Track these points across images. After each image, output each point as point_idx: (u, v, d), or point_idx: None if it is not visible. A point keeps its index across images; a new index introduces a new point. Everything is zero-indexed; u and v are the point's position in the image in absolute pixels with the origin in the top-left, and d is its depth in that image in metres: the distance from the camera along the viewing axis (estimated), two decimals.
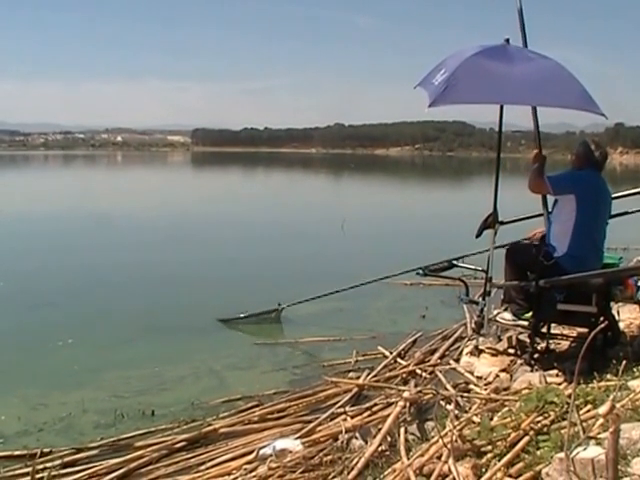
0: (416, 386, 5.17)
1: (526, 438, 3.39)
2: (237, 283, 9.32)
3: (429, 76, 5.09)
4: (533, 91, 4.91)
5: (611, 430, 2.34)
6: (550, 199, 5.67)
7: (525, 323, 5.37)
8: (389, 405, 4.88)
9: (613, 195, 5.85)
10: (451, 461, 3.17)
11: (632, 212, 6.32)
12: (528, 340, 5.48)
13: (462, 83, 4.83)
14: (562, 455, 2.83)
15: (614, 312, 5.53)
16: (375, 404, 5.01)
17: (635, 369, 4.26)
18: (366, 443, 4.20)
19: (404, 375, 5.84)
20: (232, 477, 4.08)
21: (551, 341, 5.63)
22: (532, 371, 5.13)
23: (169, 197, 27.33)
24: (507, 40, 5.12)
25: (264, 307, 8.08)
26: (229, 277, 10.55)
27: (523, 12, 5.64)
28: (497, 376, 5.32)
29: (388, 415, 4.47)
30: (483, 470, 3.17)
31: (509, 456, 3.21)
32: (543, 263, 5.10)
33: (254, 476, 3.96)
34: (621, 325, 5.61)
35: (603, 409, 2.34)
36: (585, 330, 5.23)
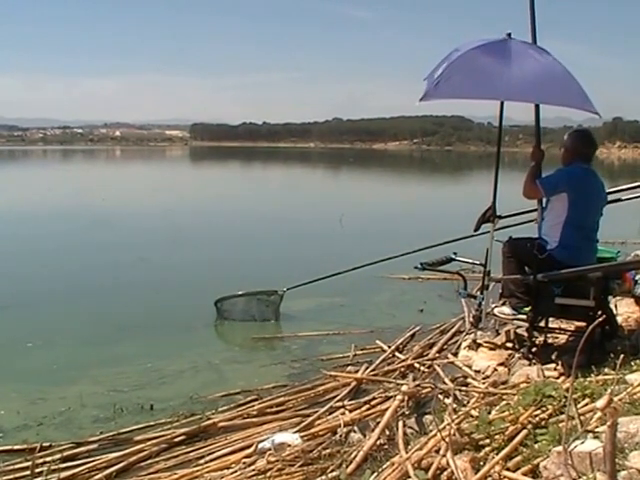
0: (414, 380, 5.19)
1: (524, 432, 3.40)
2: (234, 279, 9.30)
3: (434, 69, 5.08)
4: (529, 88, 4.92)
5: (609, 424, 2.35)
6: None
7: (523, 317, 5.38)
8: (387, 399, 4.89)
9: (609, 190, 5.88)
10: (449, 455, 3.18)
11: (626, 199, 6.35)
12: (526, 334, 5.50)
13: (455, 78, 4.85)
14: (560, 449, 2.84)
15: (612, 306, 5.55)
16: (373, 398, 5.01)
17: (633, 363, 4.27)
18: (365, 437, 4.21)
19: (402, 369, 5.85)
20: (231, 471, 4.09)
21: (549, 335, 5.64)
22: (530, 365, 5.15)
23: (167, 193, 27.23)
24: (509, 35, 5.11)
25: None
26: (226, 273, 10.53)
27: (534, 3, 5.58)
28: (495, 370, 5.34)
29: (386, 409, 4.48)
30: (481, 463, 3.18)
31: (507, 450, 3.23)
32: (537, 257, 5.12)
33: (253, 470, 3.97)
34: (619, 319, 5.63)
35: (601, 403, 2.34)
36: (583, 324, 5.24)
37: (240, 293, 8.04)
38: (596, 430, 3.05)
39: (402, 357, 6.19)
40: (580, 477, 2.71)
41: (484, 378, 5.25)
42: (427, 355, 6.21)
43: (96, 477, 4.20)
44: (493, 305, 5.73)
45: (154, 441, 4.63)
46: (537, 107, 5.68)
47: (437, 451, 3.35)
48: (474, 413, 3.92)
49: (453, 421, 3.53)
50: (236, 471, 4.05)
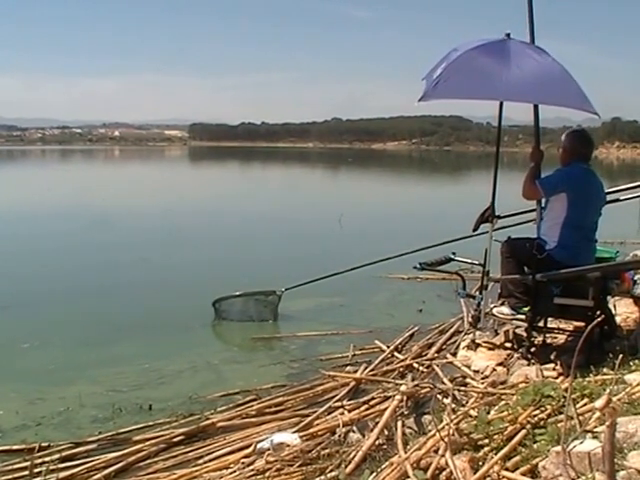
0: (413, 380, 5.20)
1: (523, 432, 3.41)
2: (233, 280, 9.29)
3: (433, 69, 5.08)
4: (528, 88, 4.91)
5: (608, 424, 2.35)
6: None
7: (522, 317, 5.38)
8: (386, 399, 4.88)
9: (608, 190, 5.89)
10: (448, 454, 3.18)
11: (624, 199, 6.35)
12: (525, 334, 5.49)
13: (454, 78, 4.84)
14: (559, 449, 2.85)
15: (611, 306, 5.55)
16: (372, 398, 5.01)
17: (631, 363, 4.28)
18: (363, 437, 4.21)
19: (401, 369, 5.85)
20: (230, 471, 4.09)
21: (548, 335, 5.64)
22: (529, 365, 5.14)
23: (166, 193, 27.22)
24: (508, 35, 5.10)
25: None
26: (224, 273, 10.52)
27: (533, 3, 5.55)
28: (494, 370, 5.34)
29: (385, 409, 4.48)
30: (480, 463, 3.18)
31: (506, 449, 3.23)
32: (536, 257, 5.12)
33: (252, 470, 3.97)
34: (617, 319, 5.63)
35: (600, 403, 2.34)
36: (582, 324, 5.24)
37: (238, 294, 8.03)
38: (595, 430, 3.05)
39: (401, 357, 6.19)
40: (579, 477, 2.71)
41: (483, 378, 5.25)
42: (426, 355, 6.21)
43: (95, 477, 4.19)
44: (492, 305, 5.72)
45: (153, 441, 4.62)
46: (536, 107, 5.68)
47: (436, 451, 3.35)
48: (473, 413, 3.92)
49: (452, 421, 3.53)
50: (235, 471, 4.05)
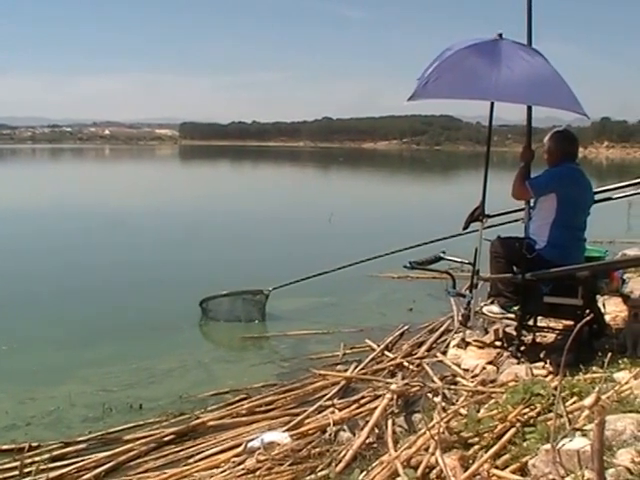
0: (403, 379, 5.20)
1: (513, 430, 3.42)
2: (221, 278, 9.28)
3: (426, 68, 5.07)
4: (519, 89, 4.90)
5: (597, 422, 2.36)
6: None
7: (512, 316, 5.39)
8: (377, 398, 4.88)
9: (599, 189, 5.90)
10: (438, 453, 3.19)
11: (616, 198, 6.36)
12: (515, 333, 5.50)
13: (443, 78, 4.84)
14: (548, 446, 2.86)
15: (600, 305, 5.57)
16: (363, 397, 5.01)
17: (620, 361, 4.30)
18: (354, 435, 4.21)
19: (391, 368, 5.85)
20: (220, 470, 4.08)
21: (537, 334, 5.66)
22: (519, 363, 5.15)
23: (155, 193, 27.11)
24: (500, 35, 5.10)
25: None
26: (212, 272, 10.50)
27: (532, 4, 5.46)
28: (484, 368, 5.34)
29: (376, 407, 4.48)
30: (470, 462, 3.20)
31: (496, 448, 3.24)
32: (526, 256, 5.13)
33: (242, 469, 3.97)
34: (607, 318, 5.64)
35: (589, 401, 2.36)
36: (571, 323, 5.25)
37: (225, 293, 7.99)
38: (584, 428, 3.07)
39: (391, 356, 6.19)
40: (568, 475, 2.72)
41: (473, 376, 5.25)
42: (416, 354, 6.21)
43: (85, 477, 4.18)
44: (482, 304, 5.74)
45: (143, 440, 4.61)
46: (529, 108, 5.67)
47: (426, 449, 3.36)
48: (463, 411, 3.93)
49: (442, 419, 3.54)
50: (225, 470, 4.05)
